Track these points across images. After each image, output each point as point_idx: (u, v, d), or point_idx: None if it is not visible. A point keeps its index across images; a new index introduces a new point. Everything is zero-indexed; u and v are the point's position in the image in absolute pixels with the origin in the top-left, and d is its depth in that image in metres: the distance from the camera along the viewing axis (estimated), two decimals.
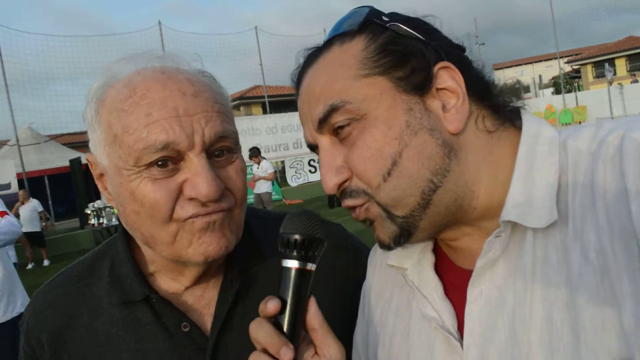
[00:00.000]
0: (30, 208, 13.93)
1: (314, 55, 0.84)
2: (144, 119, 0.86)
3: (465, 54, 0.83)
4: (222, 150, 0.93)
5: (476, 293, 0.77)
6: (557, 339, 0.69)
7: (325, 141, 0.81)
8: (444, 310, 0.83)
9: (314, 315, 0.79)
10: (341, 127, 0.78)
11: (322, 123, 0.79)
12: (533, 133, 0.79)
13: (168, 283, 1.03)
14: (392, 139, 0.75)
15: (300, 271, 0.77)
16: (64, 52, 21.62)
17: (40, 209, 14.07)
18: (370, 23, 0.80)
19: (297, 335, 0.77)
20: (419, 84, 0.76)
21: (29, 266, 13.49)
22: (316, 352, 0.81)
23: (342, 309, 1.06)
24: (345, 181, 0.79)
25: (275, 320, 0.76)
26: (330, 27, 0.85)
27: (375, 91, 0.76)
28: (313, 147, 0.85)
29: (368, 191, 0.78)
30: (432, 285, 0.86)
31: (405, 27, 0.78)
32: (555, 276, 0.71)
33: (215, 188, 0.87)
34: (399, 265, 0.93)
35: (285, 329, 0.76)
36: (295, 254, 0.77)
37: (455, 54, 0.80)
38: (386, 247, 0.82)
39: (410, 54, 0.76)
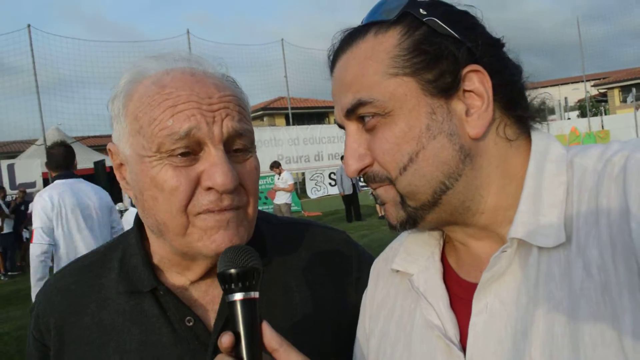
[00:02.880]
0: None
1: (349, 38, 0.85)
2: (169, 111, 0.92)
3: (504, 49, 0.82)
4: (238, 148, 0.98)
5: (481, 306, 0.79)
6: (558, 353, 0.69)
7: (352, 128, 0.84)
8: (448, 320, 0.83)
9: (270, 338, 0.80)
10: (366, 117, 0.81)
11: (350, 112, 0.82)
12: (542, 150, 0.80)
13: (174, 277, 1.06)
14: (410, 138, 0.78)
15: (245, 301, 0.80)
16: (93, 57, 22.13)
17: None
18: (407, 14, 0.79)
19: None
20: (446, 87, 0.77)
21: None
22: None
23: (345, 311, 1.10)
24: (367, 167, 0.83)
25: (236, 353, 0.78)
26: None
27: (401, 91, 0.78)
28: (341, 127, 0.89)
29: (390, 177, 0.81)
30: (439, 294, 0.87)
31: (442, 24, 0.77)
32: (558, 291, 0.72)
33: (231, 178, 0.91)
34: (404, 271, 0.94)
35: (245, 359, 0.78)
36: (235, 287, 0.80)
37: (490, 53, 0.79)
38: (393, 228, 0.85)
39: (441, 56, 0.77)
